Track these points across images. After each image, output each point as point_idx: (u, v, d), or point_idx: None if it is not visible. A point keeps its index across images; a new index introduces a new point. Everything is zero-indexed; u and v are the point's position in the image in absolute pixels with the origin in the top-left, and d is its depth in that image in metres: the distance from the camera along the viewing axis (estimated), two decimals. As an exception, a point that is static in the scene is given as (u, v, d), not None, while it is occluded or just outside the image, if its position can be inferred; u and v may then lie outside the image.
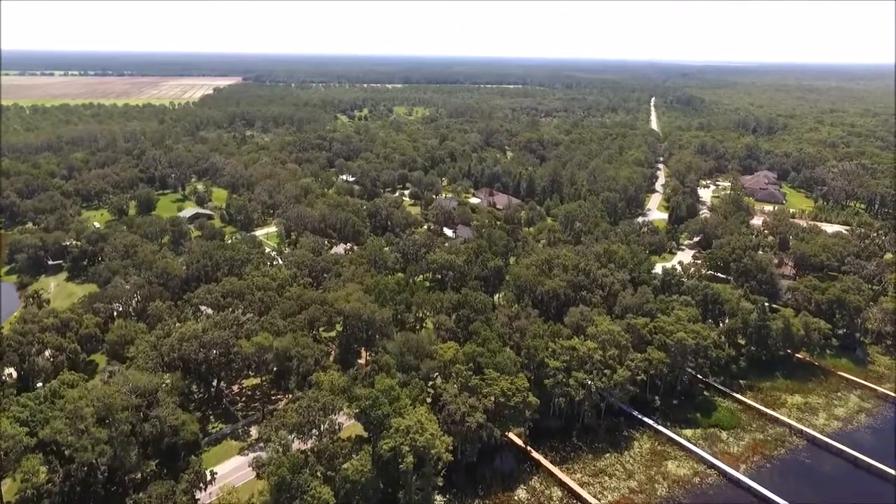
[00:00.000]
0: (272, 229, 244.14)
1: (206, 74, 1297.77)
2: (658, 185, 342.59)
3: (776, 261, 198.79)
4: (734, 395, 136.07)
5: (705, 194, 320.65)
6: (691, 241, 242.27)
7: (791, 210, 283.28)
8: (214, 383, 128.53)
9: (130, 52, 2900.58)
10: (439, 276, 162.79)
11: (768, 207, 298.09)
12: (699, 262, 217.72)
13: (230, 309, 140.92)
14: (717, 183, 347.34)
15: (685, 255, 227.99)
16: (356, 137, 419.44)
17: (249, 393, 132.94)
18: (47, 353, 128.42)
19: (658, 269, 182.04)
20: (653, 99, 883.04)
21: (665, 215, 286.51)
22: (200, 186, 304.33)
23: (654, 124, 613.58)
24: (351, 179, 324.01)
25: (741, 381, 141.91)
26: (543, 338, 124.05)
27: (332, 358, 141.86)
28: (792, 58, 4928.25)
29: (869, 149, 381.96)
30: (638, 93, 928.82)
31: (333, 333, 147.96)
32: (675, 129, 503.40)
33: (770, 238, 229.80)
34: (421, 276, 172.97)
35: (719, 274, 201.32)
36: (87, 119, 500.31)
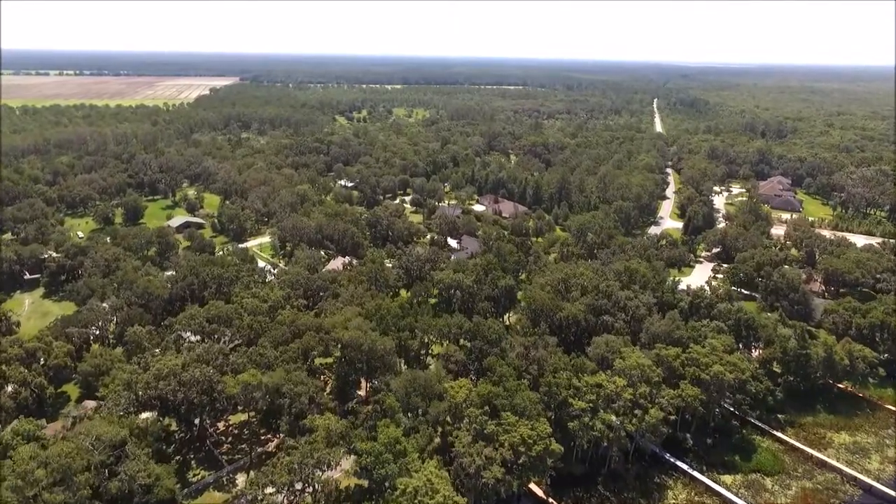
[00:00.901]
0: (266, 239, 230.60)
1: (203, 74, 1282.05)
2: (669, 192, 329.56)
3: (804, 276, 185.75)
4: (774, 432, 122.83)
5: (718, 201, 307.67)
6: (709, 253, 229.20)
7: (809, 219, 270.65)
8: (197, 421, 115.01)
9: (129, 52, 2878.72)
10: (445, 297, 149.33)
11: (785, 215, 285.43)
12: (720, 276, 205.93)
13: (216, 336, 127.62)
14: (730, 189, 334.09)
15: (704, 269, 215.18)
16: (355, 140, 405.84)
17: (236, 432, 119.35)
18: (10, 388, 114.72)
19: (682, 285, 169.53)
20: (655, 101, 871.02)
21: (678, 223, 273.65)
22: (192, 192, 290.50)
23: (658, 127, 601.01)
24: (350, 185, 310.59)
25: (780, 416, 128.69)
26: (565, 372, 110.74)
27: (328, 389, 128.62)
28: (790, 59, 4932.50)
29: (886, 153, 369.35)
30: (640, 95, 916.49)
31: (330, 360, 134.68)
32: (683, 132, 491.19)
33: (794, 251, 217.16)
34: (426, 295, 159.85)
35: (743, 290, 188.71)
36: (77, 121, 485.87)
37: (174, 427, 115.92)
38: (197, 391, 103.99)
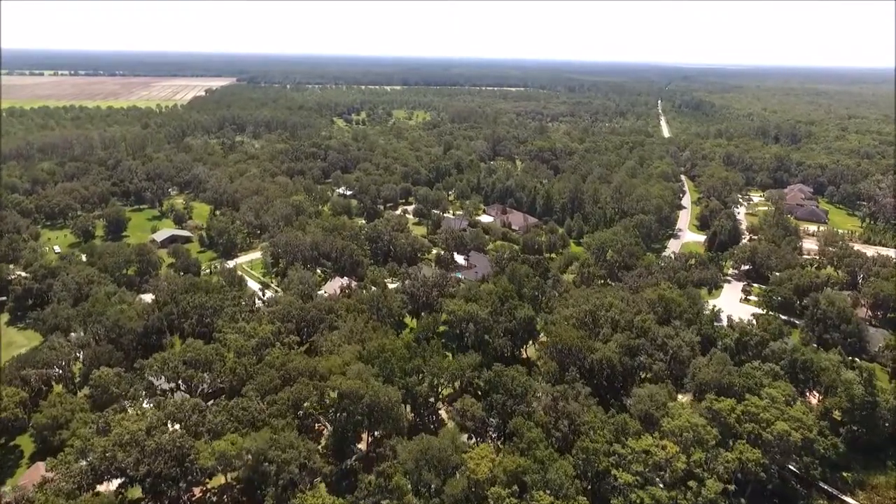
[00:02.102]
0: (258, 255, 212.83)
1: (199, 75, 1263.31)
2: (685, 201, 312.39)
3: (849, 301, 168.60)
4: (843, 497, 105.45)
5: (738, 212, 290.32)
6: (737, 271, 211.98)
7: (837, 230, 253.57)
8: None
9: (127, 52, 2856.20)
10: (457, 330, 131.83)
11: (811, 227, 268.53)
12: (752, 297, 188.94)
13: (193, 383, 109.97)
14: (749, 198, 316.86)
15: (733, 289, 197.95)
16: (354, 145, 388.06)
17: (215, 499, 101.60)
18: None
19: (712, 307, 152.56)
20: (659, 103, 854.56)
21: (698, 236, 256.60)
22: (180, 202, 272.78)
23: (665, 130, 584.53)
24: (348, 193, 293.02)
25: (845, 474, 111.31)
26: (604, 432, 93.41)
27: (322, 442, 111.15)
28: (785, 61, 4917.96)
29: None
30: (644, 96, 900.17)
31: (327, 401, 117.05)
32: (693, 136, 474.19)
33: (831, 269, 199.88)
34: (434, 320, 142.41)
35: (781, 315, 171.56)
36: (65, 123, 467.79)
37: (140, 494, 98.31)
38: (165, 460, 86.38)
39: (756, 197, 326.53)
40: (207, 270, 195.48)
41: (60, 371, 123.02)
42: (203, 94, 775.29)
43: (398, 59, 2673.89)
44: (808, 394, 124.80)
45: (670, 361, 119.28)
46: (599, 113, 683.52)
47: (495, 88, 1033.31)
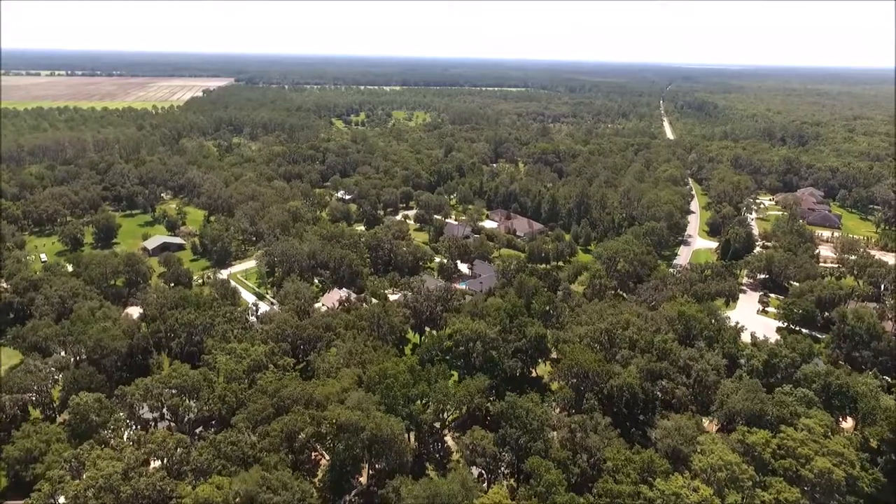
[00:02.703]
0: (253, 263, 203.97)
1: (197, 75, 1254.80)
2: (693, 205, 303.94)
3: (876, 314, 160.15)
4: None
5: (749, 217, 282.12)
6: (752, 281, 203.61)
7: (853, 236, 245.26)
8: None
9: (125, 52, 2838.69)
10: (463, 350, 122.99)
11: (824, 233, 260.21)
12: (770, 309, 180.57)
13: (179, 411, 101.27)
14: (760, 203, 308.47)
15: (749, 300, 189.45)
16: (353, 147, 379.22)
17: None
18: None
19: (730, 320, 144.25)
20: (661, 103, 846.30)
21: (709, 243, 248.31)
22: (173, 207, 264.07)
23: (668, 132, 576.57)
24: (347, 198, 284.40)
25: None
26: (628, 470, 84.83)
27: (319, 475, 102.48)
28: (787, 61, 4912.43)
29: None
30: (646, 97, 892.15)
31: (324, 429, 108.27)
32: (699, 138, 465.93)
33: (852, 279, 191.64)
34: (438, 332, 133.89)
35: (804, 329, 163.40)
36: (58, 125, 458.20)
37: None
38: (143, 506, 77.76)
39: (766, 201, 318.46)
40: (200, 281, 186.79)
41: (36, 397, 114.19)
42: (200, 94, 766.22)
43: (396, 59, 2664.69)
44: (840, 419, 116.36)
45: (694, 385, 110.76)
46: (601, 114, 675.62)
47: (495, 89, 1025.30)
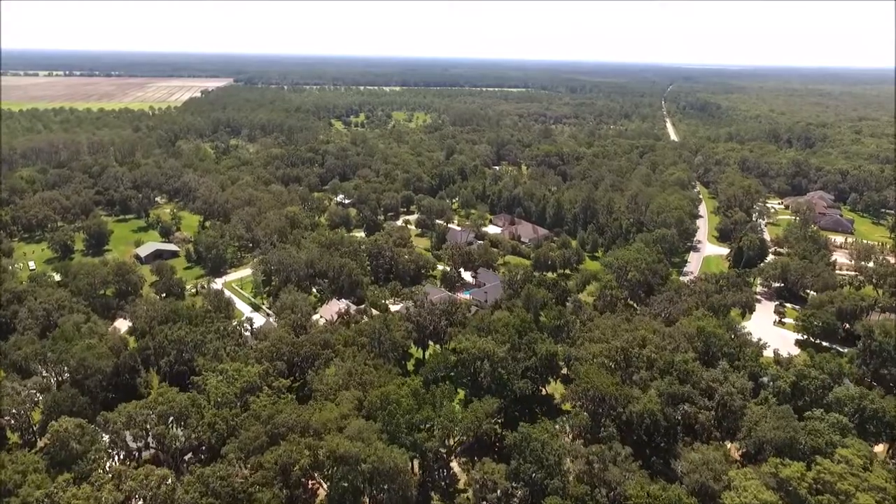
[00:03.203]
0: (249, 272, 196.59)
1: (196, 75, 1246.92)
2: (701, 209, 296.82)
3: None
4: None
5: (760, 222, 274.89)
6: (767, 290, 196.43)
7: (867, 242, 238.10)
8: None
9: (125, 52, 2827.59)
10: (470, 369, 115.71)
11: (837, 239, 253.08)
12: (786, 319, 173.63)
13: (165, 441, 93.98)
14: (770, 207, 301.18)
15: (764, 310, 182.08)
16: (353, 150, 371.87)
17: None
18: None
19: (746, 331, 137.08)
20: (664, 104, 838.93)
21: (719, 249, 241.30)
22: (167, 212, 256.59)
23: (671, 133, 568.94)
24: (347, 202, 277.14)
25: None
26: (653, 510, 77.62)
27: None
28: (787, 61, 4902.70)
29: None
30: (648, 97, 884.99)
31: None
32: (703, 140, 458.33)
33: (871, 289, 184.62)
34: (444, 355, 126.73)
35: (824, 342, 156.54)
36: (53, 126, 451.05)
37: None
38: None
39: (774, 204, 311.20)
40: (193, 291, 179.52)
41: (15, 421, 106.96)
42: (199, 95, 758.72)
43: (395, 59, 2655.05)
44: (872, 445, 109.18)
45: (718, 409, 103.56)
46: (604, 115, 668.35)
47: (496, 89, 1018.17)
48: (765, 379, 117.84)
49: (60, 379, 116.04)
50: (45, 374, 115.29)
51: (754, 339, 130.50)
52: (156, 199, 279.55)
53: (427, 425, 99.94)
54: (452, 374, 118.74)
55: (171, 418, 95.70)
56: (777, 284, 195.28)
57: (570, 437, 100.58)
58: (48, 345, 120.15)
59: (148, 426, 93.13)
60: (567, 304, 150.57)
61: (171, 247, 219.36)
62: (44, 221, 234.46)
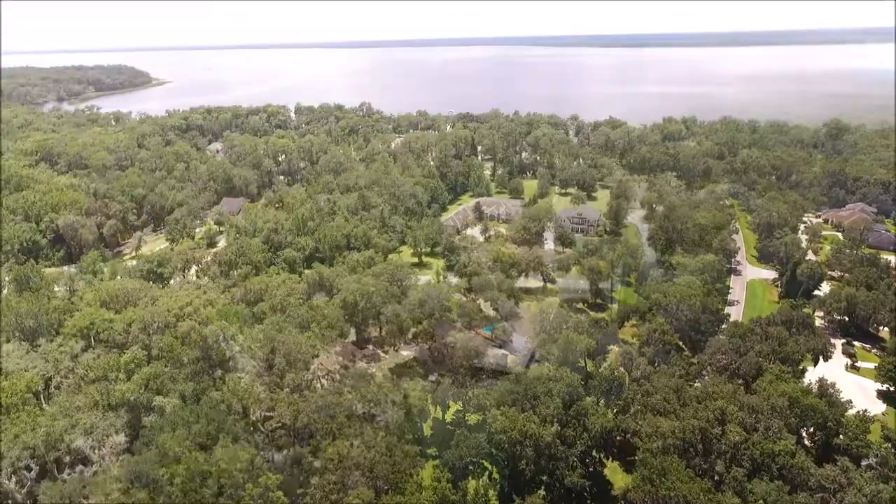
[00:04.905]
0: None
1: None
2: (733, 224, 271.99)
3: None
4: None
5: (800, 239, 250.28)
6: (827, 325, 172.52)
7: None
8: None
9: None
10: (508, 453, 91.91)
11: (892, 259, 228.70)
12: (858, 363, 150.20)
13: None
14: (807, 221, 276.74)
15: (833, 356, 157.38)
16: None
17: None
18: None
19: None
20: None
21: (762, 271, 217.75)
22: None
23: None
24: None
25: None
26: None
27: None
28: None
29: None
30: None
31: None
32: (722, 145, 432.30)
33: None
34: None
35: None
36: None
37: None
38: None
39: (811, 219, 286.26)
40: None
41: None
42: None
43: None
44: None
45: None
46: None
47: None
48: (872, 461, 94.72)
49: None
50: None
51: (859, 410, 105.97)
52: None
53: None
54: (482, 458, 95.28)
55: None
56: (839, 317, 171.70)
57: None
58: None
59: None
60: (609, 350, 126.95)
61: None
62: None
